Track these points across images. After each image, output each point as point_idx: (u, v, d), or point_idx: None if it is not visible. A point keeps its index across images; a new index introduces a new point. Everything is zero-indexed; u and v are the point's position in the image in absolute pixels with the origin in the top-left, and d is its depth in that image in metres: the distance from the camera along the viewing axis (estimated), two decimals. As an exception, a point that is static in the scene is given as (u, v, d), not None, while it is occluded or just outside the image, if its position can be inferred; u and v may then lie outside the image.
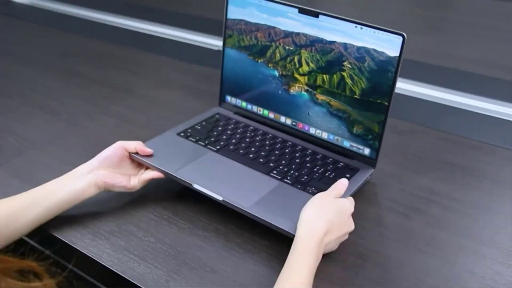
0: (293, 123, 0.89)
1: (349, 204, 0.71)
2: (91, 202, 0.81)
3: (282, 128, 0.90)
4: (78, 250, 0.71)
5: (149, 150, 0.80)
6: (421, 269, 0.68)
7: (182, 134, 0.88)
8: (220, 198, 0.73)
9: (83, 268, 0.76)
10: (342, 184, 0.73)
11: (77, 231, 0.74)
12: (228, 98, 0.97)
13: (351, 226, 0.70)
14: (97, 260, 0.70)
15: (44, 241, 0.74)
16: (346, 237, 0.70)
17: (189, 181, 0.76)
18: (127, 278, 0.67)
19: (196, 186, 0.75)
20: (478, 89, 1.13)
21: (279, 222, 0.68)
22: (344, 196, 0.73)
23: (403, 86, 1.16)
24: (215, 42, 1.43)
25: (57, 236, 0.74)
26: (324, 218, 0.66)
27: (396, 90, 1.12)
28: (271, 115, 0.92)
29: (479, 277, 0.66)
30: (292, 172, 0.79)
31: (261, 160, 0.82)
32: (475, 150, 0.92)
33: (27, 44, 1.46)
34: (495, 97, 1.10)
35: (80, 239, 0.73)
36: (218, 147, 0.85)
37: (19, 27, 1.62)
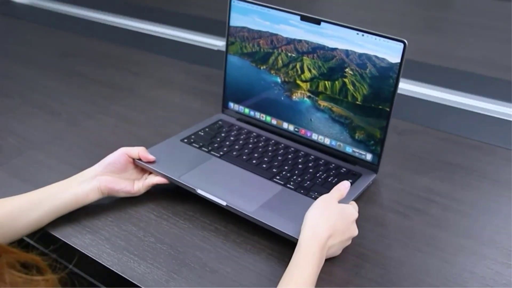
0: (296, 129, 0.90)
1: (353, 210, 0.71)
2: (91, 202, 0.81)
3: (285, 134, 0.91)
4: (78, 250, 0.71)
5: (151, 157, 0.80)
6: (421, 269, 0.68)
7: (185, 140, 0.89)
8: (224, 203, 0.74)
9: (83, 268, 0.76)
10: (344, 186, 0.73)
11: (77, 231, 0.74)
12: (231, 104, 0.97)
13: (354, 231, 0.70)
14: (97, 260, 0.70)
15: (44, 241, 0.74)
16: (349, 242, 0.70)
17: (193, 186, 0.76)
18: (127, 278, 0.67)
19: (199, 192, 0.76)
20: (478, 89, 1.13)
21: (283, 227, 0.69)
22: (346, 200, 0.73)
23: (403, 86, 1.16)
24: (215, 42, 1.43)
25: (57, 236, 0.74)
26: (327, 222, 0.66)
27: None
28: (274, 122, 0.92)
29: (479, 277, 0.66)
30: (295, 177, 0.80)
31: (264, 165, 0.82)
32: (475, 150, 0.92)
33: (27, 44, 1.46)
34: (495, 97, 1.10)
35: (80, 239, 0.73)
36: (221, 153, 0.85)
37: (19, 27, 1.62)
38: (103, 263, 0.69)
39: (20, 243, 0.70)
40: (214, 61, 1.25)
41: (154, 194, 0.82)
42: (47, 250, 0.71)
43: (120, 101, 1.12)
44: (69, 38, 1.50)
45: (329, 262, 0.68)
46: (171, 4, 1.79)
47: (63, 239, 0.73)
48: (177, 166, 0.81)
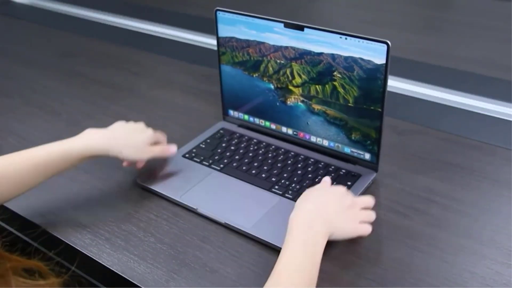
0: (294, 133, 0.90)
1: (340, 187, 0.72)
2: (91, 202, 0.81)
3: (285, 137, 0.92)
4: (78, 250, 0.71)
5: (173, 150, 0.85)
6: (421, 269, 0.68)
7: (187, 155, 0.90)
8: (223, 221, 0.75)
9: (83, 268, 0.76)
10: (326, 180, 0.75)
11: (77, 232, 0.74)
12: (231, 112, 0.98)
13: (355, 198, 0.71)
14: (97, 260, 0.70)
15: (45, 243, 0.75)
16: (358, 216, 0.70)
17: (194, 206, 0.78)
18: (127, 278, 0.67)
19: (200, 211, 0.77)
20: (478, 89, 1.13)
21: (279, 241, 0.69)
22: None
23: (403, 86, 1.16)
24: (215, 42, 1.42)
25: (57, 236, 0.74)
26: (310, 200, 0.69)
27: (396, 90, 1.13)
28: (273, 126, 0.93)
29: (479, 277, 0.66)
30: (293, 185, 0.81)
31: (263, 175, 0.83)
32: (475, 150, 0.92)
33: (27, 44, 1.46)
34: (495, 97, 1.10)
35: (80, 239, 0.73)
36: (221, 165, 0.86)
37: (19, 27, 1.62)
38: (103, 263, 0.69)
39: (23, 249, 0.70)
40: (214, 61, 1.24)
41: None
42: (51, 254, 0.71)
43: (120, 101, 1.12)
44: (69, 38, 1.50)
45: (329, 262, 0.68)
46: (171, 4, 1.79)
47: (63, 239, 0.73)
48: (178, 186, 0.82)
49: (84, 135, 0.77)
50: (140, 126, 0.83)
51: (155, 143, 0.83)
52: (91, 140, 0.76)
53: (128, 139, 0.79)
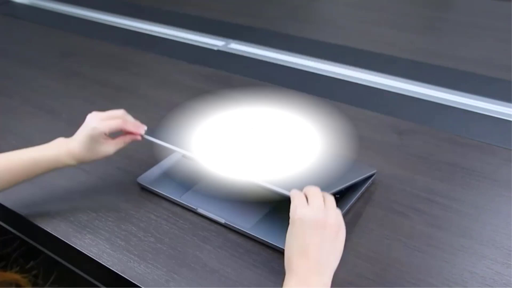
0: None
1: (297, 210, 0.60)
2: (91, 201, 0.81)
3: None
4: (78, 250, 0.71)
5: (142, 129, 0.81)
6: (421, 269, 0.68)
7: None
8: (223, 221, 0.75)
9: (83, 268, 0.76)
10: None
11: (77, 232, 0.74)
12: None
13: (323, 217, 0.60)
14: (97, 260, 0.70)
15: (47, 243, 0.74)
16: (336, 233, 0.61)
17: (194, 206, 0.78)
18: (127, 278, 0.67)
19: (200, 211, 0.77)
20: (478, 89, 1.13)
21: (279, 242, 0.69)
22: (348, 201, 0.75)
23: (403, 86, 1.16)
24: (215, 42, 1.43)
25: (57, 236, 0.74)
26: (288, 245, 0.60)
27: (396, 90, 1.13)
28: None
29: (479, 277, 0.66)
30: None
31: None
32: (475, 150, 0.92)
33: (27, 44, 1.46)
34: (495, 97, 1.10)
35: (80, 239, 0.73)
36: None
37: (19, 27, 1.62)
38: (103, 263, 0.69)
39: (2, 259, 0.70)
40: (214, 61, 1.25)
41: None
42: (32, 264, 0.71)
43: (120, 101, 1.12)
44: (69, 38, 1.50)
45: (329, 262, 0.68)
46: (170, 4, 1.79)
47: (63, 239, 0.73)
48: (178, 185, 0.82)
49: (54, 146, 0.76)
50: (93, 122, 0.79)
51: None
52: (59, 154, 0.75)
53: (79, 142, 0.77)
